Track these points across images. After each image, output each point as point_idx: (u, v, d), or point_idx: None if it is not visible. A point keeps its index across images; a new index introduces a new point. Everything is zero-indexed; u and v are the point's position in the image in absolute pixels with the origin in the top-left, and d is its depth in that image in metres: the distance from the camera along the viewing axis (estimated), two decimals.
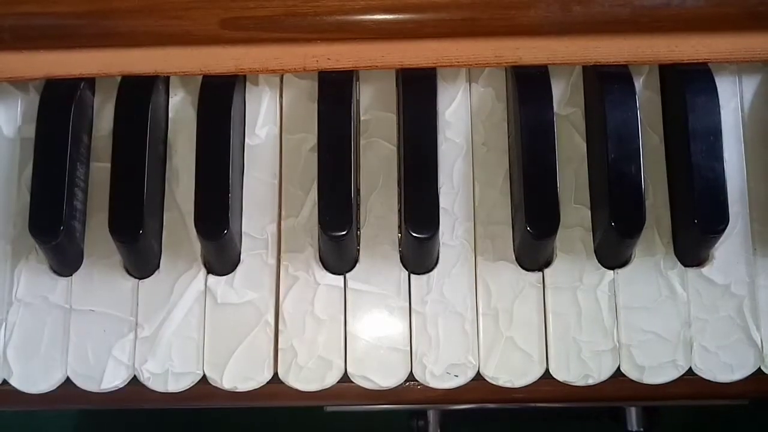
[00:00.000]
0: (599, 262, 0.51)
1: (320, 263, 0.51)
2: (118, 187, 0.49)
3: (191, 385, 0.50)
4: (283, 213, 0.52)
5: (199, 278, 0.51)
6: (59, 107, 0.50)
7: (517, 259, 0.51)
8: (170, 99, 0.53)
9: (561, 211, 0.48)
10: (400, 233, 0.51)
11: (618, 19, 0.48)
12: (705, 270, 0.51)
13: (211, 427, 0.98)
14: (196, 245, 0.51)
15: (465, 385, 0.50)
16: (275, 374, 0.50)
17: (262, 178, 0.52)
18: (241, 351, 0.50)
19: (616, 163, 0.48)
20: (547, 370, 0.50)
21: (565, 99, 0.53)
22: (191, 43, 0.49)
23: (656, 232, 0.51)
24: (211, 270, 0.51)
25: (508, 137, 0.52)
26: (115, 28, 0.49)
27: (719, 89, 0.50)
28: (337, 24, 0.49)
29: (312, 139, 0.52)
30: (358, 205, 0.51)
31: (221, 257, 0.50)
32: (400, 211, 0.51)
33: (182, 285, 0.51)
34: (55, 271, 0.51)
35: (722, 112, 0.50)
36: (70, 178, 0.49)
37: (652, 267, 0.51)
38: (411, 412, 0.77)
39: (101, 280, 0.51)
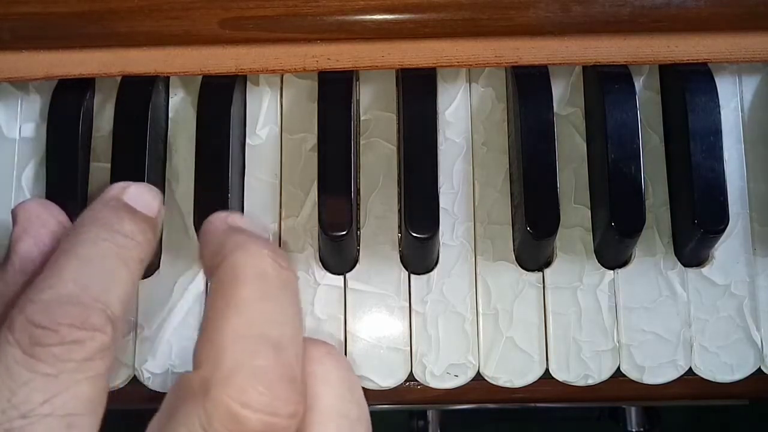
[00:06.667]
0: (599, 262, 0.51)
1: (320, 263, 0.51)
2: None
3: None
4: (283, 213, 0.52)
5: (199, 278, 0.51)
6: (70, 111, 0.50)
7: (517, 259, 0.51)
8: (170, 99, 0.53)
9: (561, 211, 0.48)
10: (400, 233, 0.51)
11: (618, 19, 0.48)
12: (705, 270, 0.51)
13: None
14: (196, 245, 0.51)
15: (465, 385, 0.50)
16: None
17: (262, 179, 0.52)
18: None
19: (616, 163, 0.48)
20: (547, 370, 0.50)
21: (565, 99, 0.53)
22: (191, 43, 0.49)
23: (656, 232, 0.51)
24: None
25: (508, 137, 0.52)
26: (115, 28, 0.48)
27: (719, 89, 0.50)
28: (337, 24, 0.49)
29: (312, 139, 0.52)
30: (358, 205, 0.51)
31: None
32: (400, 211, 0.51)
33: (182, 285, 0.51)
34: None
35: (722, 112, 0.49)
36: (82, 180, 0.50)
37: (652, 267, 0.51)
38: (411, 412, 0.77)
39: None
